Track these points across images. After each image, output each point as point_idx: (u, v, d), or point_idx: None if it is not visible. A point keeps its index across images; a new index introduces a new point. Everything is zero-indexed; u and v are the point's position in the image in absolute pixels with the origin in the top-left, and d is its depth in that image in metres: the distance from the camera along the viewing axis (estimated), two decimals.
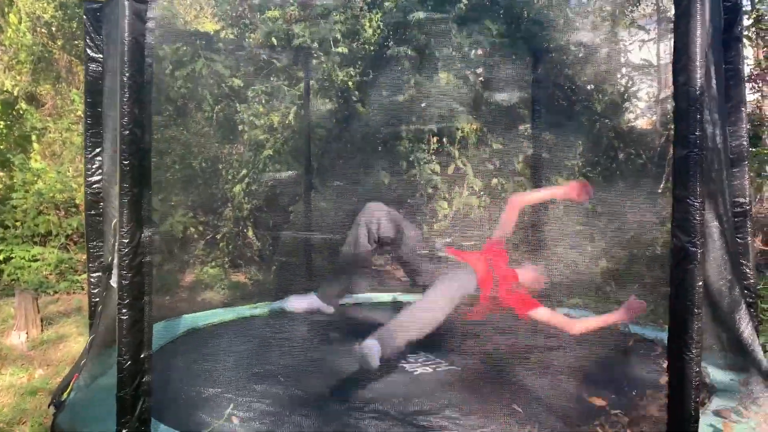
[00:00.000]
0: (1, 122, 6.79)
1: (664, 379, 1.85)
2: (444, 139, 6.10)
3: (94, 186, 2.97)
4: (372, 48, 6.17)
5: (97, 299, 2.90)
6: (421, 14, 5.70)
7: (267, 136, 6.05)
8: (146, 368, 1.91)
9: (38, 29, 7.69)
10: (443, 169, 5.98)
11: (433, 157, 6.05)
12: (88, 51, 2.92)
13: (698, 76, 1.73)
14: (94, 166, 2.97)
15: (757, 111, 5.81)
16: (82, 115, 3.89)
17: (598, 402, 2.49)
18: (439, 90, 5.79)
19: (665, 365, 1.83)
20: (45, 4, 7.53)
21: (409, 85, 5.81)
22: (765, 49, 5.76)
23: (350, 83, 6.07)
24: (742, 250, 2.77)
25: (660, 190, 5.71)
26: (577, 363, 3.02)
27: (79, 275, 5.66)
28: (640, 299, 3.12)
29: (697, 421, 1.75)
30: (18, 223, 6.07)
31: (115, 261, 1.93)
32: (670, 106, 6.29)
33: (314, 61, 5.86)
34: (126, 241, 1.85)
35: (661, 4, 6.49)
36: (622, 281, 4.71)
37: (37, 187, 6.24)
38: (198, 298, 5.26)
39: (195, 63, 5.76)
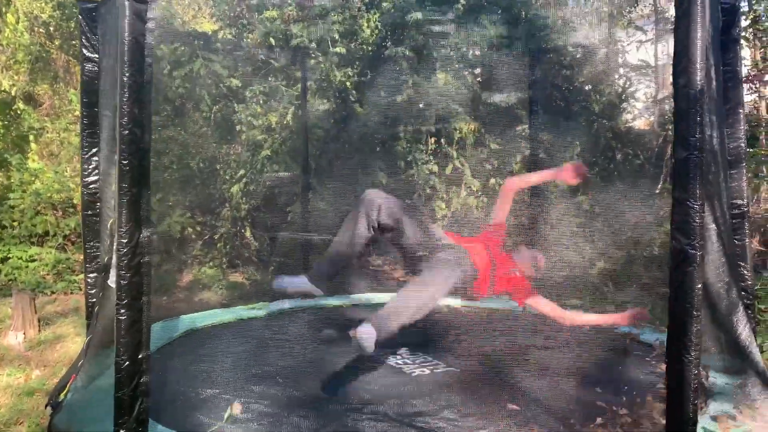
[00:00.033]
0: None
1: (661, 381, 1.85)
2: (442, 140, 6.11)
3: (91, 186, 2.96)
4: (370, 48, 6.17)
5: (95, 299, 2.89)
6: (419, 15, 5.70)
7: (265, 137, 6.04)
8: (144, 369, 1.90)
9: (36, 29, 7.67)
10: (441, 169, 5.98)
11: (431, 157, 6.05)
12: (84, 51, 2.91)
13: (699, 78, 1.73)
14: (91, 166, 2.96)
15: (755, 112, 5.81)
16: (80, 115, 3.89)
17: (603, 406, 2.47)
18: (437, 90, 5.80)
19: (663, 367, 1.83)
20: (42, 4, 7.51)
21: (407, 86, 5.81)
22: (762, 50, 5.76)
23: (348, 83, 6.07)
24: (740, 251, 2.77)
25: (657, 191, 5.71)
26: (574, 364, 3.03)
27: (77, 275, 5.65)
28: (638, 302, 3.13)
29: (695, 423, 1.75)
30: (15, 223, 6.06)
31: (114, 261, 1.92)
32: (667, 106, 6.30)
33: (312, 62, 5.86)
34: (125, 241, 1.84)
35: (658, 5, 6.49)
36: (620, 282, 4.72)
37: (35, 187, 6.23)
38: (196, 299, 5.26)
39: (193, 63, 5.76)
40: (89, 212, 2.99)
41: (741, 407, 2.37)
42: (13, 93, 7.15)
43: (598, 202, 5.33)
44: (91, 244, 3.00)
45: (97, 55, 2.88)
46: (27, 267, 5.72)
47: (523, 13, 6.07)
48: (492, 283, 3.18)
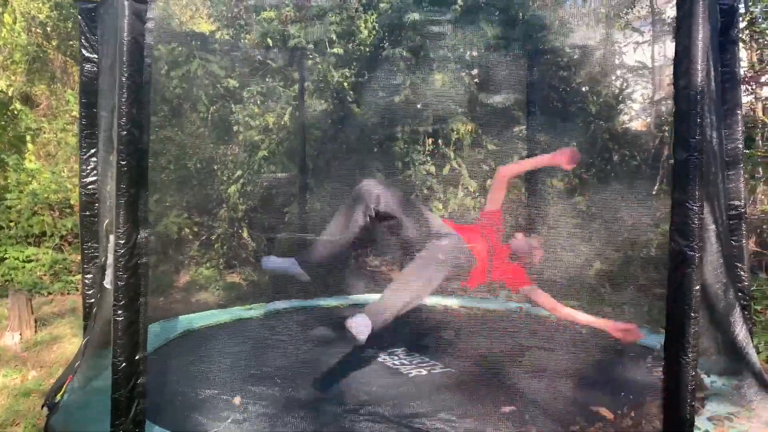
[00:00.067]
0: None
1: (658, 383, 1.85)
2: (439, 141, 6.11)
3: (90, 186, 2.96)
4: (367, 49, 6.17)
5: (92, 300, 2.89)
6: (416, 15, 5.71)
7: (262, 137, 6.04)
8: (141, 370, 1.90)
9: (33, 29, 7.66)
10: (438, 170, 5.98)
11: (429, 158, 6.05)
12: (83, 51, 2.91)
13: (699, 79, 1.73)
14: (89, 167, 2.96)
15: (751, 113, 5.82)
16: (77, 116, 3.88)
17: (606, 414, 2.47)
18: (435, 91, 5.80)
19: (658, 369, 1.83)
20: (40, 4, 7.50)
21: (404, 87, 5.81)
22: (759, 51, 5.78)
23: (345, 84, 6.07)
24: (737, 252, 2.78)
25: (654, 192, 5.72)
26: (572, 366, 3.03)
27: (74, 276, 5.65)
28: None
29: (692, 424, 1.75)
30: (12, 224, 6.05)
31: (110, 262, 1.92)
32: (664, 108, 6.30)
33: (309, 62, 5.85)
34: (122, 242, 1.84)
35: (655, 7, 6.50)
36: (617, 283, 4.72)
37: (32, 188, 6.22)
38: (193, 299, 5.25)
39: (190, 63, 5.75)
40: (87, 213, 2.98)
41: (738, 408, 2.38)
42: (10, 93, 7.13)
43: (595, 203, 5.33)
44: (89, 244, 3.00)
45: (96, 56, 2.88)
46: (24, 267, 5.71)
47: (521, 14, 6.07)
48: (490, 270, 3.16)
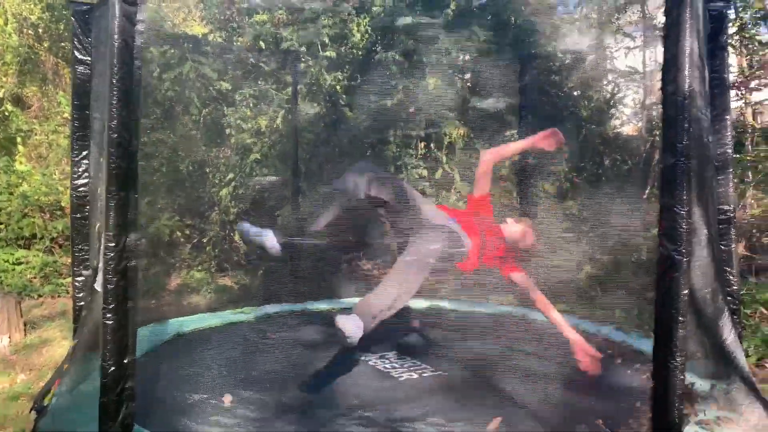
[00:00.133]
0: None
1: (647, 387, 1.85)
2: (432, 144, 6.12)
3: (81, 189, 2.95)
4: (360, 52, 6.18)
5: (82, 303, 2.87)
6: (408, 19, 5.72)
7: (254, 140, 6.03)
8: (130, 373, 1.89)
9: (25, 30, 7.63)
10: (431, 173, 5.99)
11: (421, 161, 6.06)
12: (76, 53, 2.90)
13: (687, 85, 1.74)
14: (80, 169, 2.95)
15: (741, 119, 5.87)
16: (69, 118, 3.86)
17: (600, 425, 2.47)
18: (427, 95, 5.81)
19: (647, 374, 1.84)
20: (32, 6, 7.48)
21: (396, 90, 5.82)
22: (749, 57, 5.82)
23: (338, 87, 6.08)
24: (726, 256, 2.79)
25: (645, 196, 5.75)
26: (564, 370, 3.03)
27: (64, 279, 5.61)
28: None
29: (681, 429, 1.75)
30: (2, 226, 6.01)
31: (101, 265, 1.91)
32: (655, 112, 6.34)
33: (302, 65, 5.85)
34: (111, 245, 1.83)
35: (647, 12, 6.54)
36: (607, 286, 4.74)
37: (22, 190, 6.18)
38: (184, 302, 5.23)
39: (182, 66, 5.74)
40: (78, 215, 2.97)
41: (726, 412, 2.39)
42: (1, 95, 7.11)
43: (586, 207, 5.36)
44: (80, 247, 2.98)
45: (89, 58, 2.87)
46: (13, 270, 5.67)
47: (513, 18, 6.10)
48: (482, 254, 3.14)
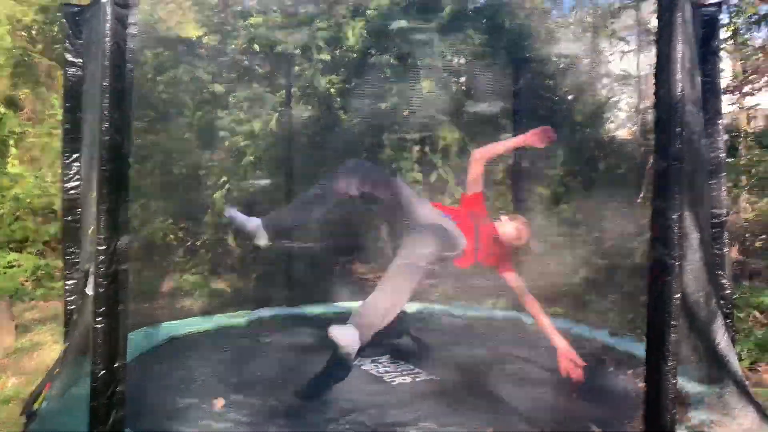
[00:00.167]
0: None
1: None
2: (426, 148, 6.11)
3: (72, 192, 2.93)
4: (354, 55, 6.17)
5: (73, 307, 2.85)
6: (403, 23, 5.71)
7: (248, 143, 6.01)
8: (120, 378, 1.87)
9: (18, 32, 7.60)
10: (425, 177, 5.99)
11: (416, 165, 6.05)
12: (68, 55, 2.88)
13: (679, 89, 1.74)
14: (72, 172, 2.93)
15: (735, 122, 5.89)
16: (61, 120, 3.84)
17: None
18: (422, 98, 5.81)
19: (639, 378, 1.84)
20: (26, 8, 7.45)
21: (391, 93, 5.82)
22: (742, 61, 5.85)
23: (332, 90, 6.07)
24: (719, 260, 2.80)
25: (639, 200, 5.76)
26: (557, 375, 3.03)
27: (57, 282, 5.58)
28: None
29: None
30: None
31: (92, 268, 1.90)
32: (650, 116, 6.36)
33: (296, 68, 5.84)
34: (102, 248, 1.82)
35: (641, 16, 6.56)
36: (601, 290, 4.74)
37: (14, 193, 6.15)
38: (177, 306, 5.21)
39: (176, 69, 5.73)
40: (69, 218, 2.95)
41: (719, 416, 2.39)
42: None
43: (581, 211, 5.36)
44: (71, 250, 2.96)
45: (80, 60, 2.85)
46: (5, 273, 5.64)
47: (507, 22, 6.10)
48: (477, 251, 3.13)
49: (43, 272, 5.72)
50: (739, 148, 5.81)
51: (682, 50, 1.75)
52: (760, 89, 5.79)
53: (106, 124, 1.82)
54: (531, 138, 3.31)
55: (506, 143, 3.75)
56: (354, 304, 4.55)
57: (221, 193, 5.94)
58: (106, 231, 1.82)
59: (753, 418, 2.34)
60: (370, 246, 5.78)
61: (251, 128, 5.96)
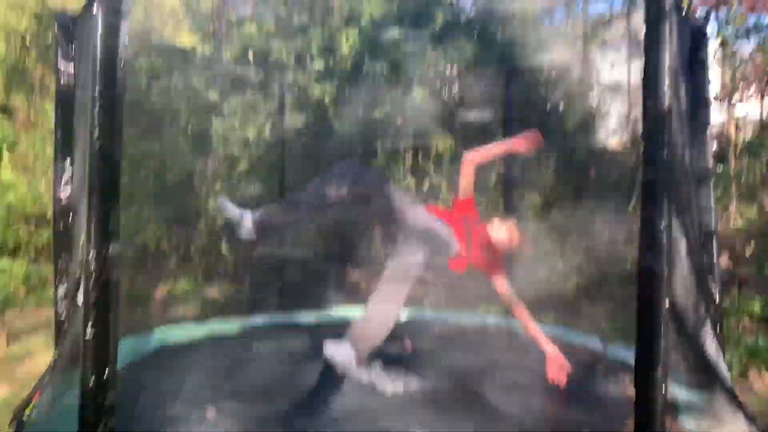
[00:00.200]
0: None
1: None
2: (419, 156, 6.13)
3: (63, 199, 2.93)
4: (348, 64, 6.19)
5: (64, 315, 2.85)
6: (396, 32, 5.74)
7: (242, 150, 6.02)
8: (110, 386, 1.87)
9: (12, 40, 7.59)
10: (418, 185, 6.01)
11: (409, 173, 6.07)
12: (60, 64, 2.89)
13: (667, 99, 1.76)
14: (63, 180, 2.93)
15: (724, 132, 5.94)
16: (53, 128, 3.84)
17: None
18: (414, 107, 5.83)
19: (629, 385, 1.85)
20: (20, 15, 7.44)
21: (384, 102, 5.84)
22: (731, 72, 5.89)
23: (326, 98, 6.08)
24: (709, 268, 2.82)
25: (630, 208, 5.79)
26: (551, 383, 3.04)
27: (49, 289, 5.55)
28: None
29: None
30: None
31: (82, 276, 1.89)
32: (640, 126, 6.40)
33: (290, 76, 5.86)
34: (92, 256, 1.82)
35: (631, 26, 6.62)
36: (592, 297, 4.76)
37: (7, 200, 6.13)
38: (170, 313, 5.20)
39: (170, 76, 5.73)
40: (60, 226, 2.95)
41: (708, 423, 2.40)
42: None
43: (572, 218, 5.38)
44: (62, 258, 2.96)
45: (72, 68, 2.86)
46: None
47: (499, 32, 6.14)
48: (469, 254, 3.13)
49: (35, 280, 5.69)
50: (729, 157, 5.85)
51: (669, 61, 1.77)
52: (748, 98, 5.84)
53: (97, 133, 1.82)
54: (518, 143, 3.35)
55: (497, 146, 3.77)
56: (348, 310, 4.57)
57: (214, 200, 5.94)
58: (97, 238, 1.82)
59: (742, 426, 2.35)
60: (364, 252, 5.79)
61: (245, 136, 5.97)
